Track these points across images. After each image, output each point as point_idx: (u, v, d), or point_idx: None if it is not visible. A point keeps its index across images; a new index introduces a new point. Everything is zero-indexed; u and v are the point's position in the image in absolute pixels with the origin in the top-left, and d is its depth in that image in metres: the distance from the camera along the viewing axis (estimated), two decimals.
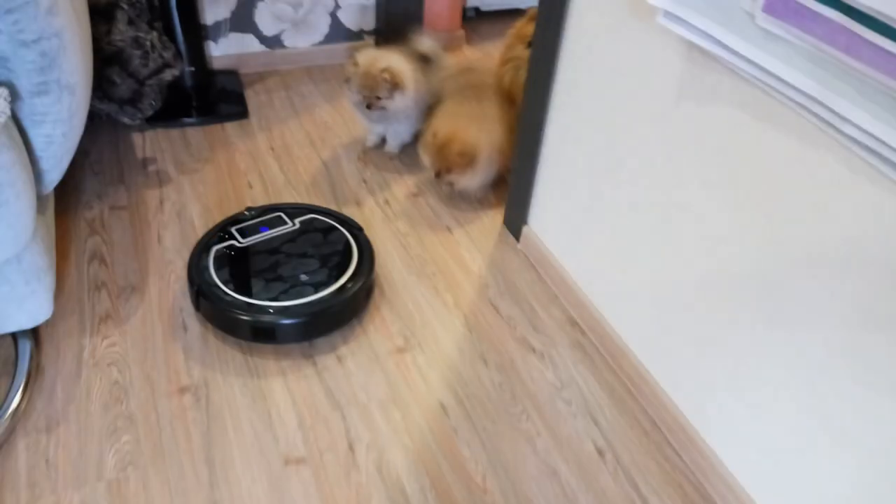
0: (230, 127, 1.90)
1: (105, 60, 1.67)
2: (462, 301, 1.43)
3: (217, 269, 1.32)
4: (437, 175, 1.62)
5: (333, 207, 1.65)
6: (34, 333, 1.25)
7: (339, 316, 1.31)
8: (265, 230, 1.42)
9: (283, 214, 1.47)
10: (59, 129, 1.15)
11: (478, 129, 1.60)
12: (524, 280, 1.49)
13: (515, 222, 1.59)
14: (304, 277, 1.31)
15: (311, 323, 1.27)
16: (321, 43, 2.19)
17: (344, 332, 1.33)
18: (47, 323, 1.28)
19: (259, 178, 1.72)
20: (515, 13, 2.74)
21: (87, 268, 1.41)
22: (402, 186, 1.74)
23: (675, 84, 1.03)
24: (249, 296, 1.27)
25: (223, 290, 1.27)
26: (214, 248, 1.36)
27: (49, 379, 1.19)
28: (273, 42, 2.12)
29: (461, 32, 2.41)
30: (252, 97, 2.03)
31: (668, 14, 0.95)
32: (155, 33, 1.73)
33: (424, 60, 1.78)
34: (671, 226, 1.10)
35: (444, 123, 1.61)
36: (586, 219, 1.33)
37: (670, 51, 1.02)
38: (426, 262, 1.52)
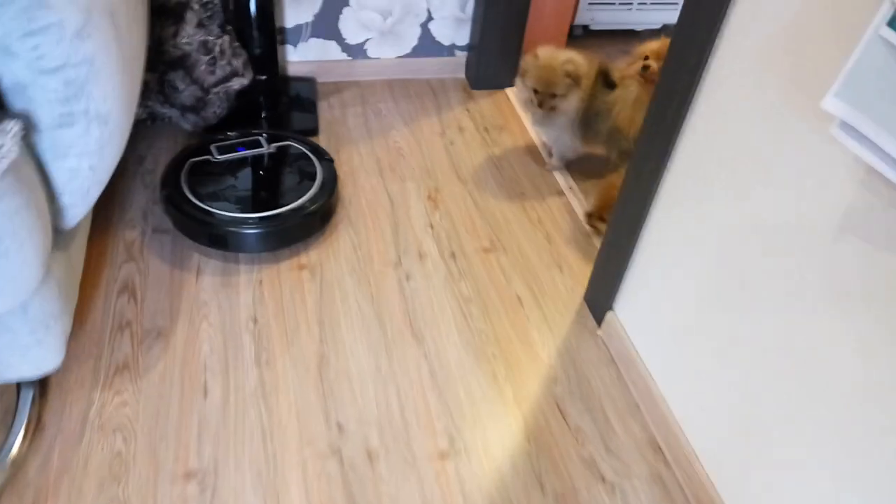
0: None
1: (169, 64, 1.54)
2: (523, 397, 1.21)
3: (187, 179, 1.43)
4: (540, 100, 1.59)
5: (392, 251, 1.46)
6: (41, 380, 1.13)
7: (292, 233, 1.41)
8: (241, 150, 1.52)
9: (261, 138, 1.56)
10: (85, 162, 1.00)
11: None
12: (601, 379, 1.26)
13: (599, 304, 1.35)
14: (262, 194, 1.42)
15: (264, 235, 1.37)
16: (408, 56, 1.99)
17: (382, 430, 1.14)
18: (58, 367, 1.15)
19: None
20: (629, 35, 2.46)
21: (116, 301, 1.28)
22: (474, 237, 1.52)
23: (839, 211, 0.77)
24: (210, 205, 1.38)
25: (188, 198, 1.38)
26: (190, 160, 1.48)
27: (48, 439, 1.06)
28: (356, 51, 1.94)
29: None
30: (325, 110, 1.86)
31: (846, 126, 0.69)
32: (226, 38, 1.58)
33: (607, 83, 1.63)
34: (801, 375, 0.85)
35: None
36: (686, 325, 1.08)
37: (840, 168, 0.76)
38: (488, 339, 1.31)
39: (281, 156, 1.53)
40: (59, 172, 0.99)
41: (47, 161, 0.97)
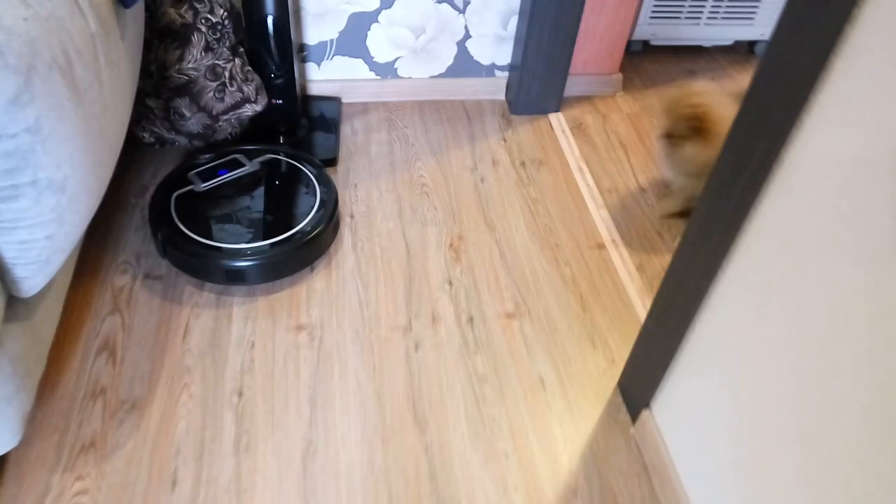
0: None
1: (174, 90, 1.41)
2: None
3: (180, 216, 1.31)
4: (666, 135, 1.38)
5: (402, 312, 1.30)
6: None
7: (309, 255, 1.33)
8: (224, 173, 1.40)
9: (239, 156, 1.44)
10: (40, 232, 0.87)
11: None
12: (630, 494, 1.07)
13: (635, 396, 1.16)
14: (269, 218, 1.32)
15: (281, 262, 1.29)
16: (442, 76, 1.81)
17: None
18: (15, 446, 1.05)
19: (326, 256, 1.40)
20: (695, 51, 2.21)
21: (93, 362, 1.17)
22: (497, 299, 1.35)
23: None
24: (215, 239, 1.27)
25: (189, 236, 1.28)
26: (175, 195, 1.35)
27: None
28: (385, 70, 1.78)
29: (618, 76, 1.94)
30: (347, 137, 1.71)
31: None
32: (237, 62, 1.44)
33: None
34: None
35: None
36: (741, 454, 0.89)
37: None
38: (500, 431, 1.14)
39: (268, 171, 1.43)
40: (8, 246, 0.86)
41: None
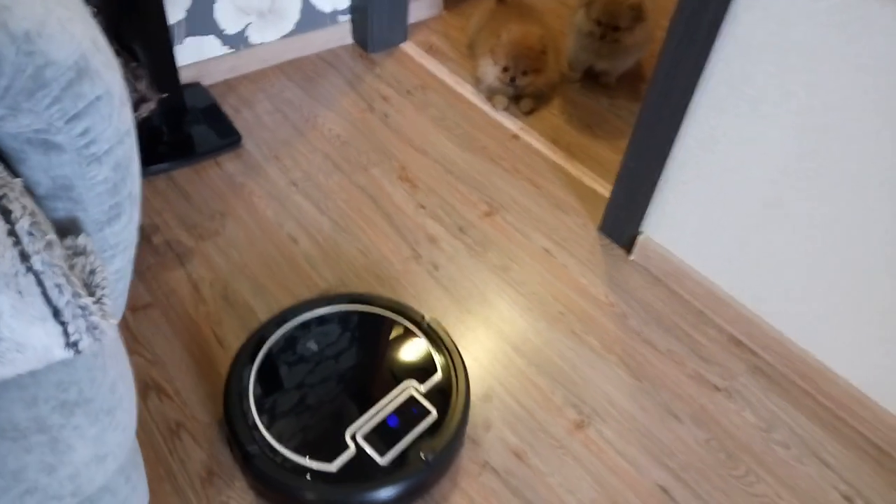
0: (227, 161, 1.50)
1: None
2: (609, 341, 1.23)
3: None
4: (512, 78, 1.66)
5: (403, 245, 1.36)
6: None
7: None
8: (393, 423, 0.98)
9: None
10: (128, 254, 0.79)
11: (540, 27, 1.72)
12: (659, 299, 1.31)
13: (622, 231, 1.39)
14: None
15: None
16: (292, 33, 1.78)
17: (518, 424, 1.09)
18: None
19: (298, 226, 1.37)
20: None
21: (147, 408, 1.05)
22: (468, 205, 1.46)
23: None
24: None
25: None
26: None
27: None
28: (237, 41, 1.70)
29: None
30: (233, 115, 1.62)
31: None
32: (120, 59, 1.29)
33: None
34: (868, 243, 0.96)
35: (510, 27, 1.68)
36: (745, 225, 1.16)
37: None
38: (546, 300, 1.29)
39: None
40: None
41: None
